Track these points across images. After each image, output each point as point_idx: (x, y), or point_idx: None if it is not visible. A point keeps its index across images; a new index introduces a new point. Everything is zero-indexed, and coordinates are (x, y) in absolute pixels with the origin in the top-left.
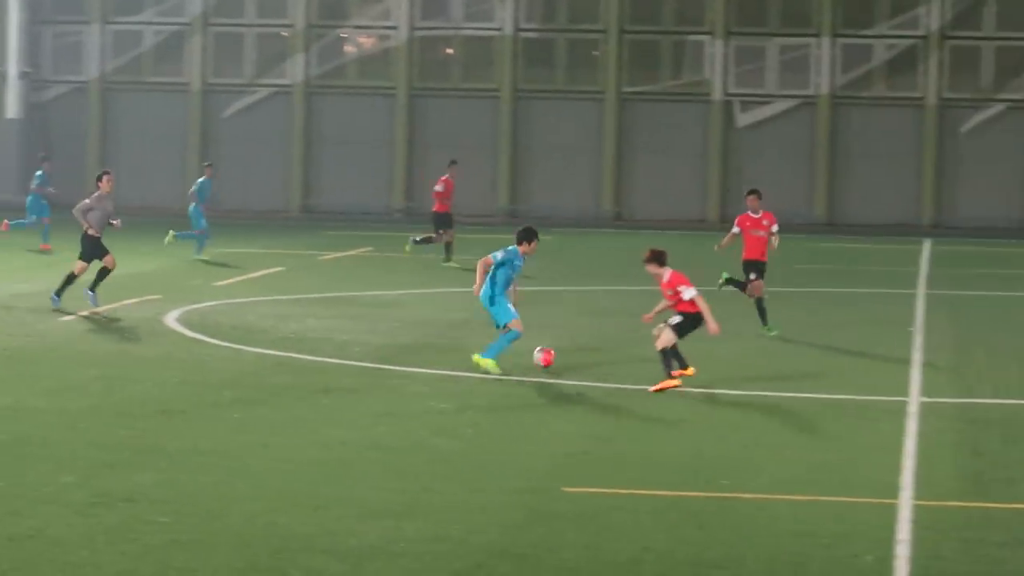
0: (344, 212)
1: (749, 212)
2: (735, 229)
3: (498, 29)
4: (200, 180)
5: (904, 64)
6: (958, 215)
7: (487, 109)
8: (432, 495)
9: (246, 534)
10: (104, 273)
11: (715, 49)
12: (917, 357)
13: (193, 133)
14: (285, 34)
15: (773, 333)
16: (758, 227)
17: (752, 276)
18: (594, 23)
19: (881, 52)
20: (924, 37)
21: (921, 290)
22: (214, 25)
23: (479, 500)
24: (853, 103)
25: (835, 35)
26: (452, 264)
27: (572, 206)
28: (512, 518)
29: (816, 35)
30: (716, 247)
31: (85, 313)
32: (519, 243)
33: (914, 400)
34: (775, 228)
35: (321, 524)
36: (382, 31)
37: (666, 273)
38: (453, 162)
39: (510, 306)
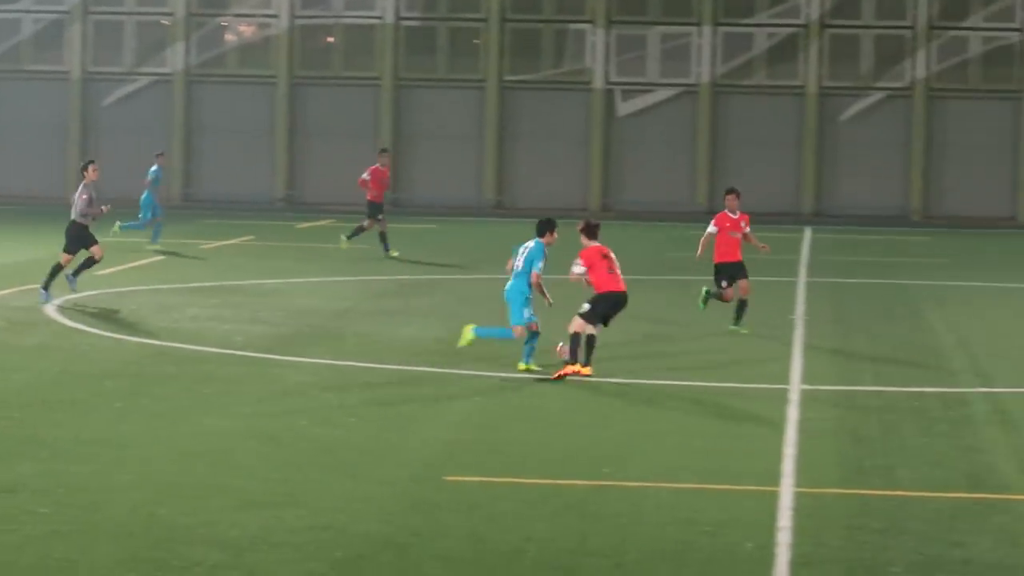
0: (225, 201)
1: (727, 212)
2: (712, 228)
3: (379, 18)
4: (153, 168)
5: (784, 53)
6: (838, 203)
7: (368, 97)
8: (313, 484)
9: (127, 524)
10: (90, 262)
11: (596, 38)
12: (798, 345)
13: (73, 122)
14: (165, 22)
15: (744, 331)
16: (736, 228)
17: (724, 284)
18: (475, 11)
19: (761, 41)
20: (804, 26)
21: (802, 278)
22: (94, 13)
23: (361, 489)
24: (734, 92)
25: (716, 24)
26: (394, 254)
27: (454, 194)
28: (394, 507)
29: (697, 24)
30: (697, 256)
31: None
32: (540, 235)
33: (795, 388)
34: (748, 229)
35: (202, 514)
36: (263, 19)
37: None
38: (384, 150)
39: (527, 312)
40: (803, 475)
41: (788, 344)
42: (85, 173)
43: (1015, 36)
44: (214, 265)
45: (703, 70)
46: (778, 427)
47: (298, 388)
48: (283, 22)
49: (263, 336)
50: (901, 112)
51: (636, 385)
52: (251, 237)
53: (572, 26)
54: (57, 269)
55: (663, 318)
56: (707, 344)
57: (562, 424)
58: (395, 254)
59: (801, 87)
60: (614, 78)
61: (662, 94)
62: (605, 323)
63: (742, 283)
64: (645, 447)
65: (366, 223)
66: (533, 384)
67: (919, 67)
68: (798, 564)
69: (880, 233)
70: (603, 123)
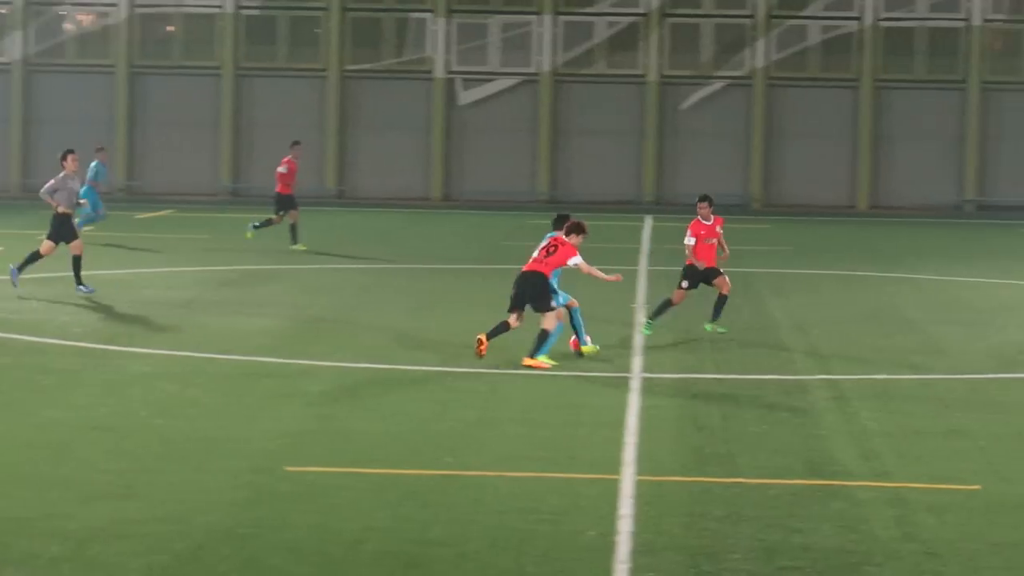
0: None
1: (700, 219)
2: (690, 240)
3: (219, 6)
4: (93, 164)
5: (625, 41)
6: (678, 191)
7: (209, 86)
8: (154, 476)
9: None
10: (77, 261)
11: (437, 27)
12: (638, 333)
13: None
14: (3, 11)
15: (721, 331)
16: (712, 234)
17: (685, 284)
18: (316, 0)
19: (602, 30)
20: (644, 15)
21: (643, 266)
22: None
23: (202, 481)
24: (575, 81)
25: (557, 13)
26: (300, 247)
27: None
28: (235, 498)
29: (537, 13)
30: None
31: None
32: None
33: (636, 376)
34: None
35: (41, 507)
36: (101, 8)
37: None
38: (296, 143)
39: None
40: (644, 463)
41: (629, 332)
42: (64, 163)
43: (854, 25)
44: (53, 256)
45: (544, 59)
46: (619, 415)
47: (138, 379)
48: (122, 11)
49: (103, 327)
50: (741, 101)
51: (478, 374)
52: (90, 228)
53: (413, 15)
54: (35, 256)
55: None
56: None
57: (404, 414)
58: (301, 247)
59: (642, 76)
60: (455, 67)
61: (503, 83)
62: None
63: (719, 280)
64: (486, 436)
65: (287, 215)
66: (374, 374)
67: (759, 56)
68: (639, 552)
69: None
70: (444, 112)
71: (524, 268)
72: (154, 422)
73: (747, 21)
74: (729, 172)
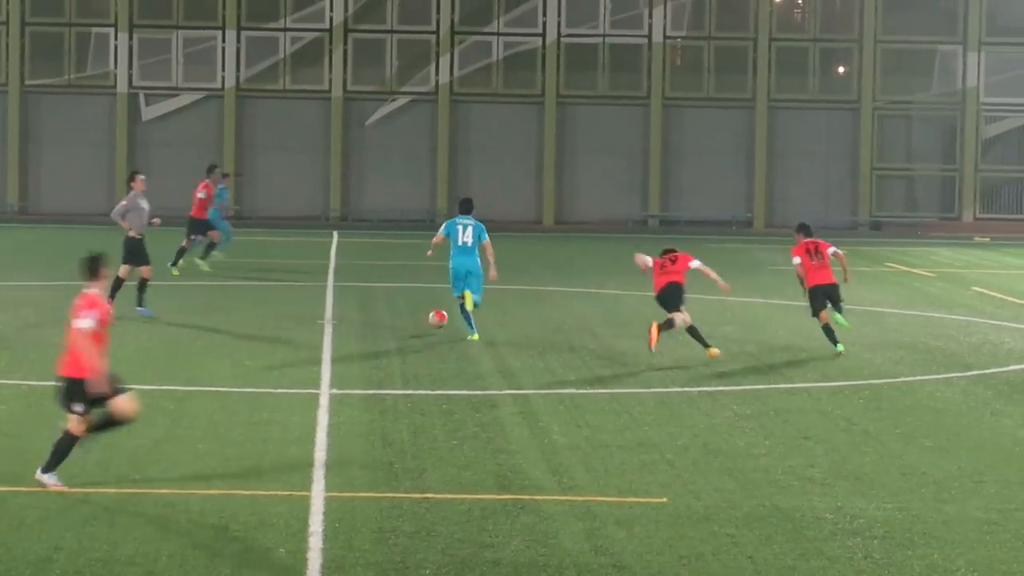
0: None
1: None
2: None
3: None
4: (218, 188)
5: (309, 57)
6: (365, 207)
7: None
8: None
9: None
10: (143, 285)
11: (119, 42)
12: (328, 349)
13: None
14: None
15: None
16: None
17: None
18: None
19: (286, 45)
20: (328, 30)
21: (330, 282)
22: None
23: None
24: (260, 96)
25: (240, 28)
26: (174, 273)
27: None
28: None
29: (220, 28)
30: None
31: None
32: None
33: (325, 392)
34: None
35: None
36: None
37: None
38: (213, 167)
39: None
40: (334, 479)
41: (318, 348)
42: (132, 185)
43: (537, 41)
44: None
45: (228, 74)
46: (309, 431)
47: None
48: None
49: None
50: (427, 116)
51: (165, 391)
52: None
53: (95, 30)
54: (118, 282)
55: (192, 323)
56: (238, 348)
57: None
58: (176, 273)
59: (327, 91)
60: (138, 82)
61: (187, 98)
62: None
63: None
64: (175, 453)
65: (199, 239)
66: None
67: (443, 72)
68: (329, 568)
69: (405, 237)
70: (128, 127)
71: (667, 282)
72: None
73: (431, 37)
74: (416, 188)
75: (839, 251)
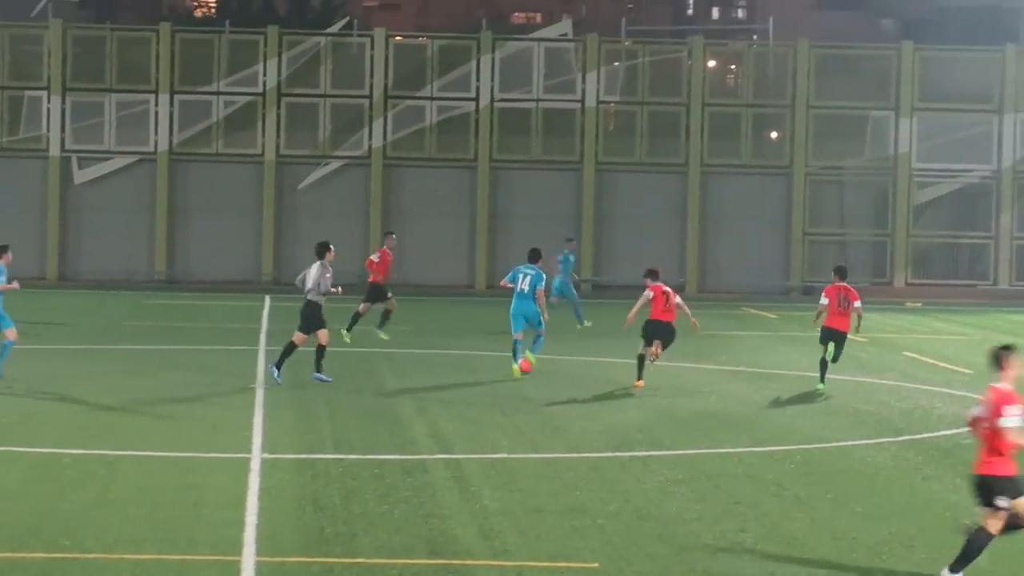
0: None
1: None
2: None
3: None
4: (564, 253)
5: (243, 120)
6: (298, 271)
7: None
8: None
9: None
10: (322, 351)
11: (52, 105)
12: (259, 414)
13: None
14: None
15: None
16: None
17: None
18: None
19: (220, 109)
20: (261, 94)
21: (263, 346)
22: None
23: None
24: (192, 160)
25: (173, 92)
26: (384, 337)
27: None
28: None
29: (154, 92)
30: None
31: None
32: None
33: (256, 456)
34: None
35: None
36: None
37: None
38: (390, 233)
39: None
40: (264, 543)
41: (249, 413)
42: (327, 253)
43: (470, 105)
44: None
45: (161, 138)
46: (240, 496)
47: None
48: None
49: None
50: (360, 180)
51: (96, 456)
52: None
53: (28, 92)
54: (290, 348)
55: (122, 387)
56: (169, 411)
57: (21, 495)
58: (385, 337)
59: (259, 155)
60: (71, 145)
61: (120, 162)
62: None
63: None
64: (105, 518)
65: (362, 307)
66: None
67: (376, 136)
68: None
69: (338, 300)
70: (60, 191)
71: (653, 318)
72: None
73: (364, 101)
74: (348, 252)
75: (861, 308)
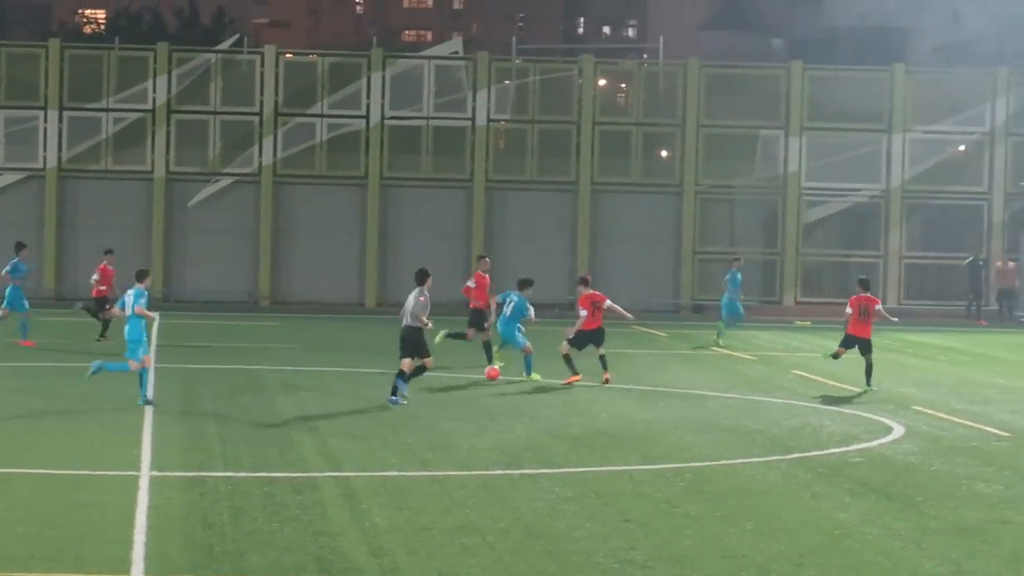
0: None
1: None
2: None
3: None
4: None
5: (132, 137)
6: (187, 288)
7: None
8: None
9: None
10: (421, 370)
11: None
12: (148, 431)
13: None
14: None
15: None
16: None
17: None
18: None
19: (109, 125)
20: (151, 111)
21: (152, 364)
22: None
23: None
24: (82, 176)
25: (62, 108)
26: (499, 364)
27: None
28: None
29: (43, 108)
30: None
31: None
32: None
33: (146, 474)
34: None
35: None
36: None
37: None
38: (482, 256)
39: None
40: (153, 561)
41: (138, 430)
42: (427, 280)
43: (361, 123)
44: None
45: (50, 154)
46: (128, 514)
47: None
48: None
49: None
50: (250, 197)
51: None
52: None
53: None
54: (401, 374)
55: (9, 404)
56: (57, 429)
57: None
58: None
59: (149, 172)
60: None
61: (8, 178)
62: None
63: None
64: None
65: (470, 332)
66: None
67: (266, 153)
68: None
69: (228, 318)
70: None
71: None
72: None
73: (254, 118)
74: (238, 269)
75: (882, 310)
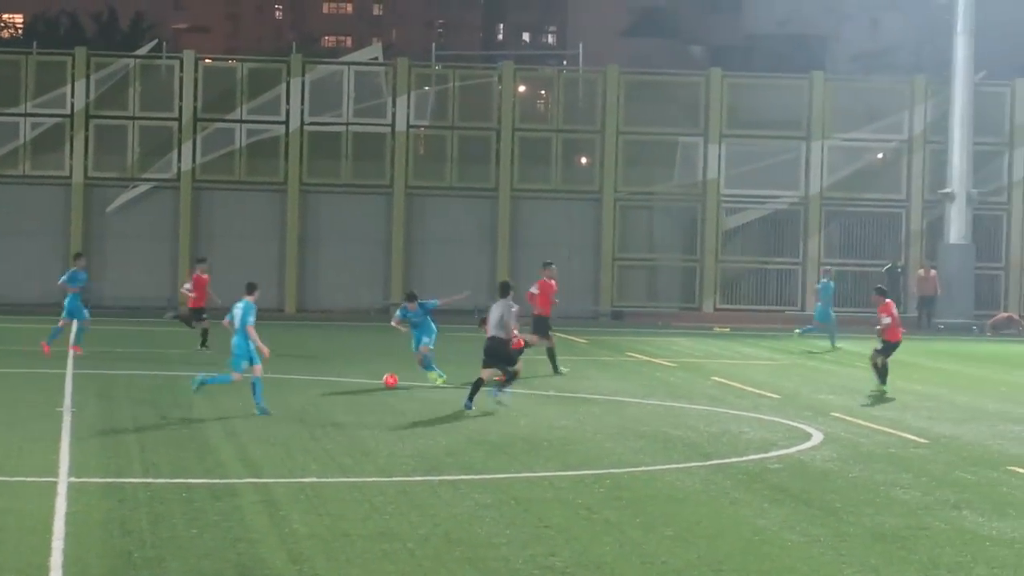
0: None
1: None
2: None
3: None
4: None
5: (50, 142)
6: (105, 294)
7: None
8: None
9: None
10: (515, 376)
11: None
12: (66, 437)
13: None
14: None
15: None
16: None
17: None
18: None
19: (26, 130)
20: (69, 116)
21: (69, 369)
22: None
23: None
24: None
25: None
26: (564, 371)
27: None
28: None
29: None
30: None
31: None
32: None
33: (63, 480)
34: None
35: None
36: None
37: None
38: (548, 263)
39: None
40: (71, 568)
41: (56, 436)
42: (511, 292)
43: (280, 129)
44: None
45: None
46: (45, 521)
47: None
48: None
49: None
50: (169, 203)
51: None
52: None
53: None
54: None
55: None
56: None
57: None
58: (565, 371)
59: (67, 177)
60: None
61: None
62: None
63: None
64: None
65: (533, 339)
66: None
67: (185, 158)
68: None
69: (146, 324)
70: None
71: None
72: None
73: (173, 124)
74: (158, 275)
75: (882, 321)
